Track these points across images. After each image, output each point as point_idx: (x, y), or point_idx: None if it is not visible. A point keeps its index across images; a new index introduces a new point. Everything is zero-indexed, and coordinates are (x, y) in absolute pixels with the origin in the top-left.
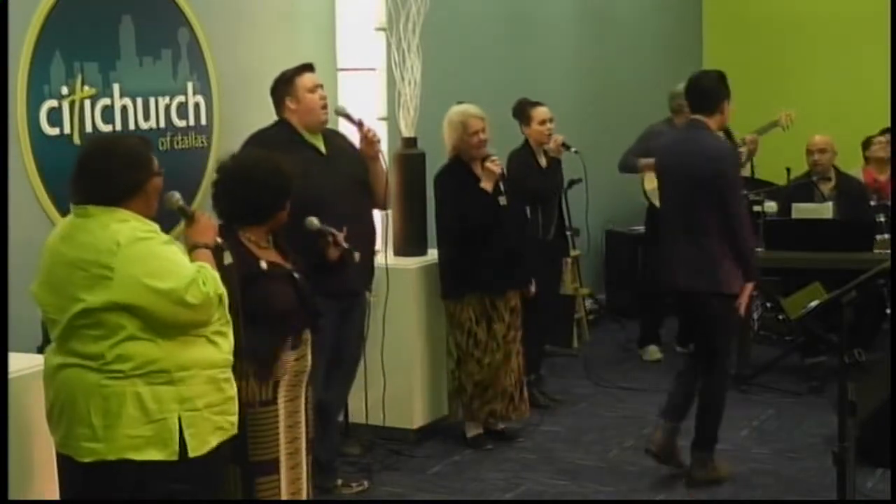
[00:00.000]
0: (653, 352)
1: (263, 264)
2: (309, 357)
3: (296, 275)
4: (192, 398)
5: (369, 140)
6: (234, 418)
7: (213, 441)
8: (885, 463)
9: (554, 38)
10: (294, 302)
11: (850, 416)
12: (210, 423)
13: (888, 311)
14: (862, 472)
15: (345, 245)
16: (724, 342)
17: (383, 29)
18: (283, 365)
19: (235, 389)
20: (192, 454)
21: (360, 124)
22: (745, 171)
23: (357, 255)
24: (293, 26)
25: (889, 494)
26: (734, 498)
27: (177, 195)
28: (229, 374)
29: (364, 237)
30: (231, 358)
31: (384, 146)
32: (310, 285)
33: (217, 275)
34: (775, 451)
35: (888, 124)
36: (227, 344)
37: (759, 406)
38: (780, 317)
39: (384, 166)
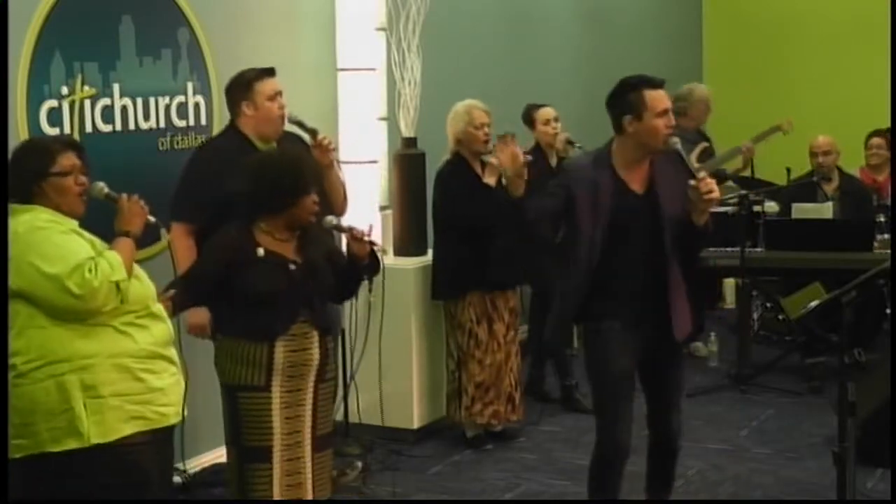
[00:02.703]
0: None
1: (260, 251)
2: (314, 352)
3: (291, 265)
4: (95, 386)
5: (323, 148)
6: (167, 409)
7: (126, 430)
8: (885, 463)
9: (554, 38)
10: (282, 288)
11: (850, 416)
12: (121, 412)
13: (888, 311)
14: (862, 472)
15: (366, 238)
16: None
17: (383, 29)
18: (276, 354)
19: (169, 380)
20: (94, 440)
21: (313, 133)
22: (745, 172)
23: (381, 250)
24: (293, 26)
25: (889, 494)
26: (734, 498)
27: (100, 184)
28: (153, 366)
29: None
30: (157, 349)
31: (384, 146)
32: (321, 281)
33: (120, 264)
34: (775, 451)
35: (888, 124)
36: (149, 336)
37: (759, 406)
38: (780, 317)
39: (340, 173)
